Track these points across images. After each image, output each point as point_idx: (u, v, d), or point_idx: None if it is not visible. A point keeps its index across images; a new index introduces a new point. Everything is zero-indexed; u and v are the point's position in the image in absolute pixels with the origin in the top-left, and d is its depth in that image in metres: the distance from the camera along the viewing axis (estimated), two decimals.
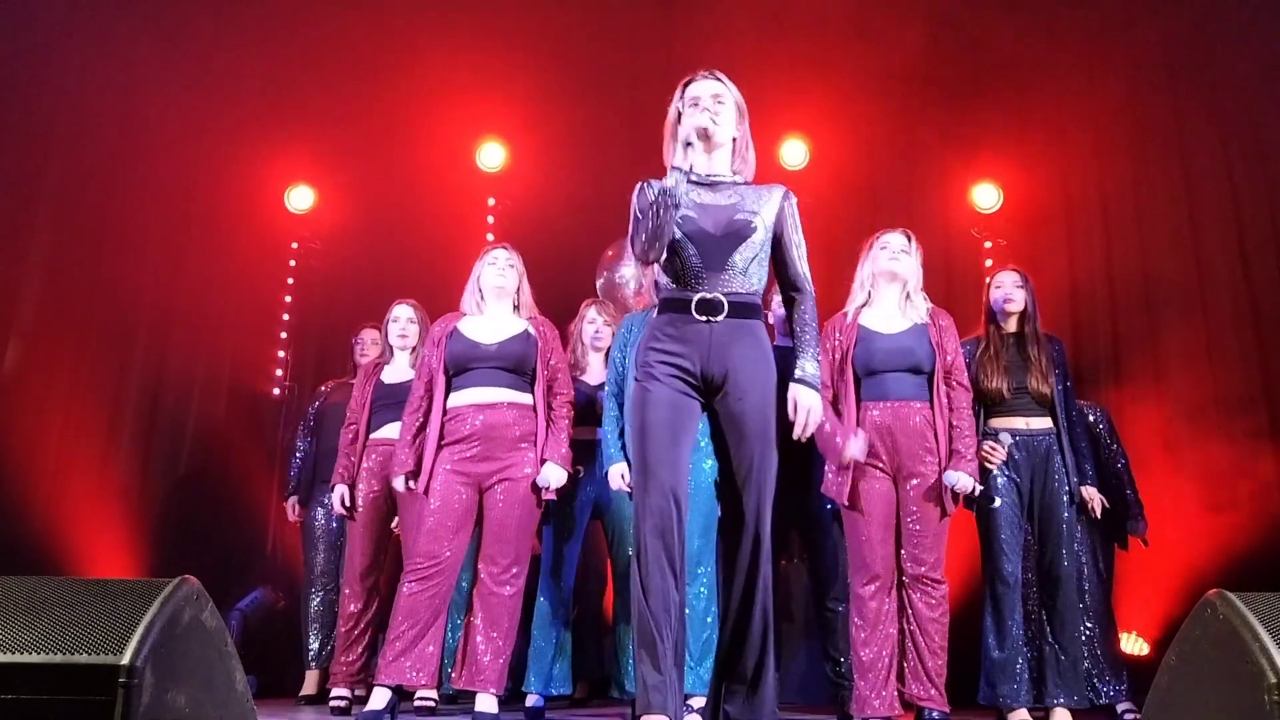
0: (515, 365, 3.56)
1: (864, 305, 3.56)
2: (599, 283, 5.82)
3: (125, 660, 1.63)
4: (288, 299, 6.41)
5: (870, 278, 3.57)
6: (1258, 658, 1.68)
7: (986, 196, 6.15)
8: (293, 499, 4.70)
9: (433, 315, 4.26)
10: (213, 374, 6.05)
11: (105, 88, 5.53)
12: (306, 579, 4.61)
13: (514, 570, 3.48)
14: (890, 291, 3.54)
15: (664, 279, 2.61)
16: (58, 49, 5.37)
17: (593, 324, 4.30)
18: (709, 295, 2.52)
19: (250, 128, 5.97)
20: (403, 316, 4.33)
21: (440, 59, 5.68)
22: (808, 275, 2.70)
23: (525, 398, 3.58)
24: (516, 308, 3.72)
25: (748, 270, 2.56)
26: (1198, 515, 5.00)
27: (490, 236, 6.36)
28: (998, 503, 3.58)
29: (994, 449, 3.62)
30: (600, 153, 5.98)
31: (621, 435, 3.60)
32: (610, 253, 5.85)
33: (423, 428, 3.57)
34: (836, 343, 3.51)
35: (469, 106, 6.10)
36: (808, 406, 2.55)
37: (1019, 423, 3.73)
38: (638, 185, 2.54)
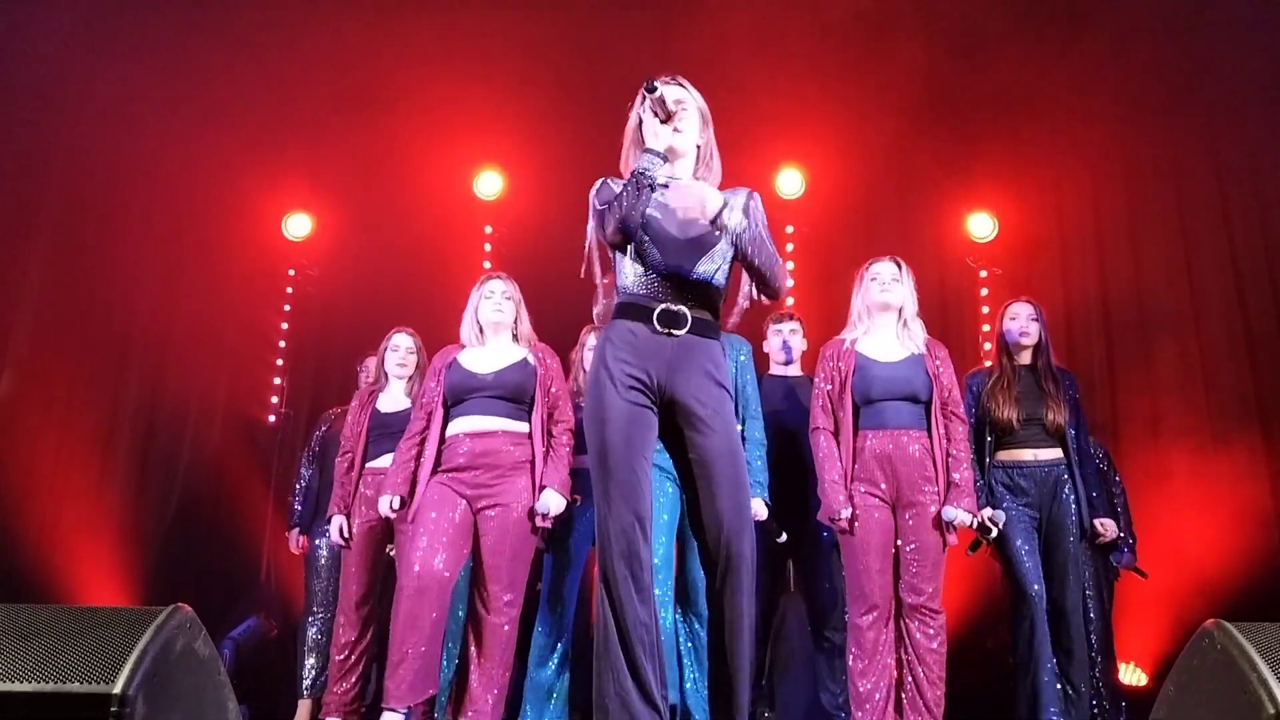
0: (513, 394, 3.55)
1: (862, 335, 3.56)
2: (596, 310, 5.83)
3: (117, 689, 1.62)
4: (284, 326, 6.41)
5: (865, 310, 3.57)
6: (1255, 688, 1.68)
7: (982, 226, 6.18)
8: (295, 531, 4.65)
9: (429, 342, 4.26)
10: (208, 401, 6.03)
11: (103, 115, 5.55)
12: (306, 607, 4.56)
13: (507, 599, 3.41)
14: (885, 321, 3.54)
15: (626, 280, 2.55)
16: (56, 77, 5.40)
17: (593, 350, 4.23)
18: (672, 307, 2.46)
19: (248, 155, 5.99)
20: (402, 346, 4.32)
21: (437, 88, 5.71)
22: (779, 266, 2.58)
23: (521, 425, 3.56)
24: (515, 338, 3.72)
25: (711, 281, 2.52)
26: (1194, 542, 5.00)
27: (487, 264, 6.38)
28: (1001, 522, 3.58)
29: (988, 524, 3.53)
30: (596, 179, 5.99)
31: None
32: (607, 280, 5.86)
33: (419, 455, 3.55)
34: (835, 369, 3.50)
35: (466, 135, 6.13)
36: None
37: (1027, 454, 3.74)
38: (597, 182, 2.56)
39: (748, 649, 2.39)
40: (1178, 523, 5.02)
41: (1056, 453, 3.75)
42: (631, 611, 2.30)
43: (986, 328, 5.81)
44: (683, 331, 2.46)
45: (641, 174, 2.42)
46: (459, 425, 3.53)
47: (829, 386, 3.49)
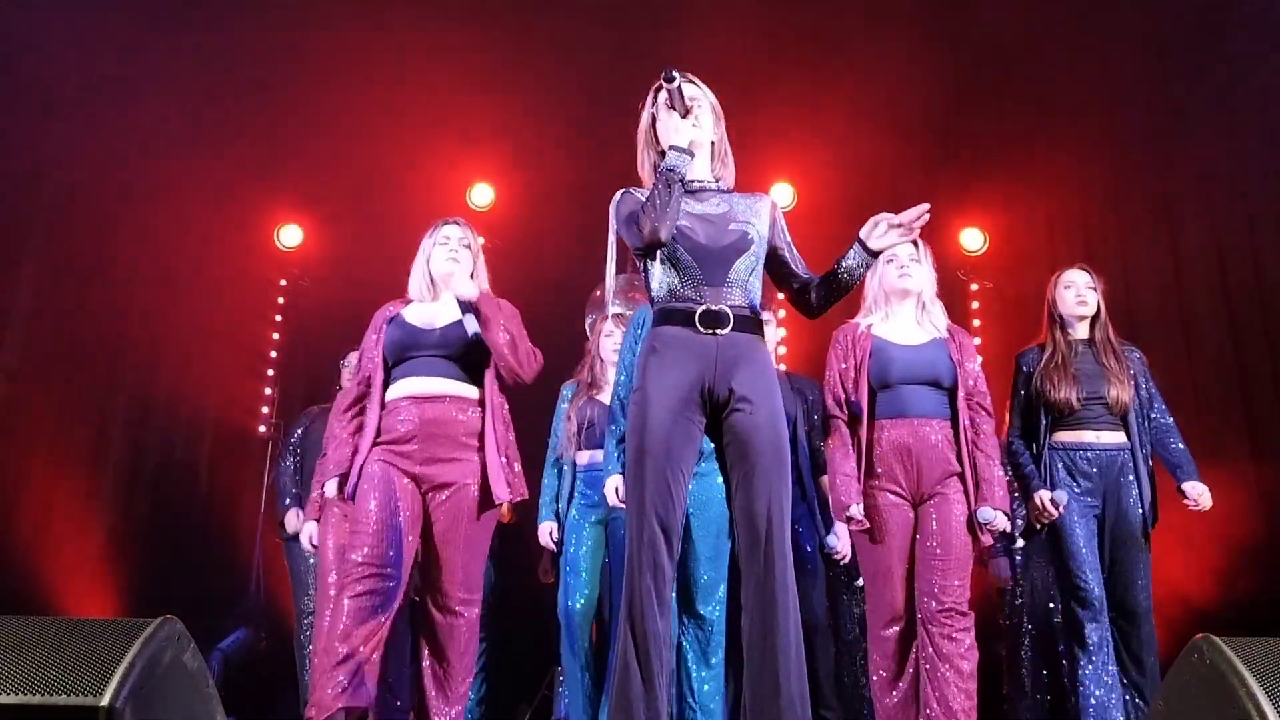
0: (460, 352, 3.10)
1: (879, 320, 3.26)
2: (589, 322, 5.84)
3: (105, 701, 1.62)
4: (275, 336, 6.40)
5: (883, 295, 3.26)
6: (1244, 702, 1.69)
7: (972, 240, 6.22)
8: (292, 511, 4.51)
9: None
10: (199, 411, 6.01)
11: (97, 125, 5.55)
12: (300, 616, 4.40)
13: (463, 595, 3.02)
14: (904, 307, 3.24)
15: (660, 289, 2.50)
16: (51, 91, 5.40)
17: (611, 337, 4.06)
18: (714, 307, 2.42)
19: (241, 167, 5.99)
20: None
21: (431, 99, 5.72)
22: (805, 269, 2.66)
23: (471, 390, 3.11)
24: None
25: (747, 283, 2.49)
26: (1182, 559, 5.00)
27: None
28: (1063, 503, 3.27)
29: (1046, 510, 3.30)
30: (589, 192, 6.01)
31: (621, 441, 3.32)
32: (598, 293, 5.87)
33: (360, 427, 3.10)
34: (849, 353, 3.20)
35: (458, 147, 6.14)
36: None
37: (1089, 436, 3.42)
38: (618, 193, 2.54)
39: (795, 634, 2.29)
40: (1167, 539, 5.02)
41: (1121, 436, 3.41)
42: (651, 623, 2.27)
43: (978, 340, 5.82)
44: (726, 330, 2.41)
45: (670, 171, 2.38)
46: (400, 388, 3.08)
47: (843, 365, 3.19)
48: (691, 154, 2.43)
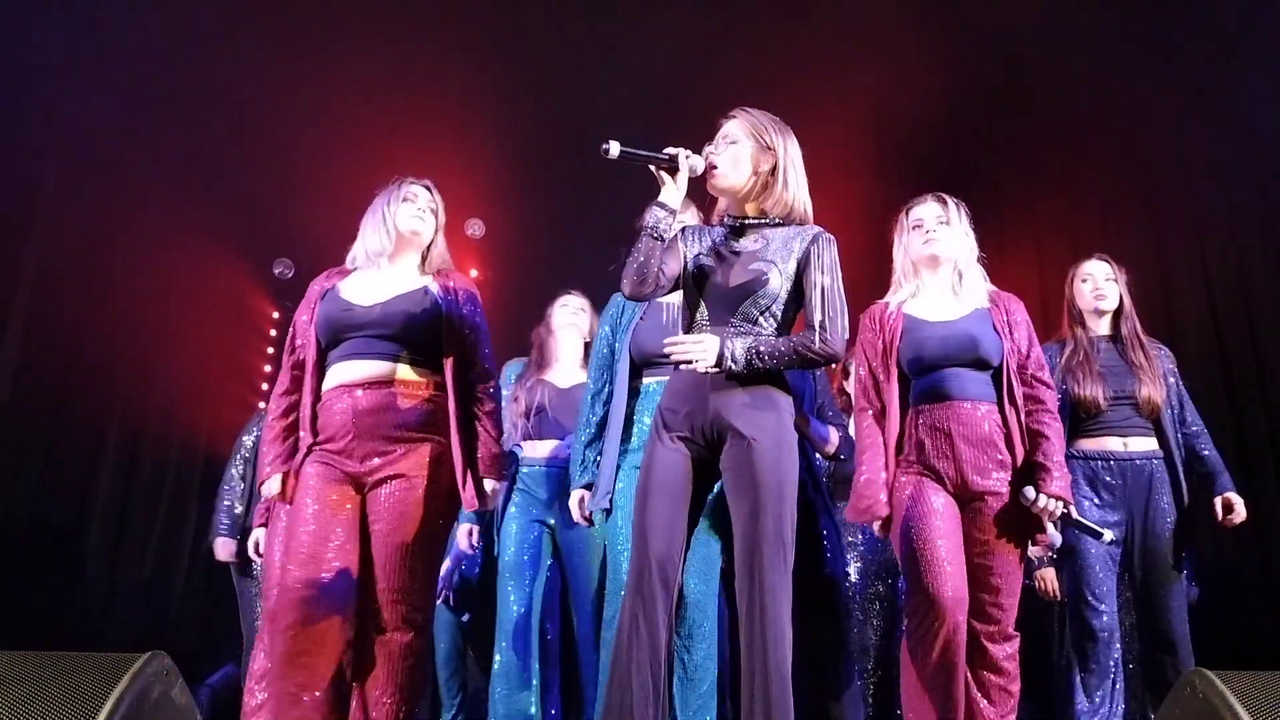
0: (403, 332, 2.69)
1: (909, 297, 2.85)
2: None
3: None
4: (267, 369, 6.39)
5: (910, 268, 2.85)
6: None
7: None
8: (221, 540, 4.16)
9: None
10: (190, 442, 5.99)
11: (92, 153, 5.56)
12: (248, 647, 3.91)
13: (406, 609, 2.58)
14: (937, 278, 2.82)
15: (682, 328, 2.53)
16: (48, 116, 5.43)
17: (566, 307, 3.66)
18: None
19: (236, 197, 6.01)
20: None
21: (422, 130, 5.76)
22: (829, 318, 2.40)
23: (417, 375, 2.70)
24: (424, 262, 2.90)
25: (757, 321, 2.43)
26: None
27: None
28: (1108, 537, 2.80)
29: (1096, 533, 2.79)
30: (580, 223, 6.06)
31: (590, 445, 2.99)
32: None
33: (293, 423, 2.73)
34: (877, 335, 2.77)
35: (453, 177, 6.17)
36: (699, 341, 2.36)
37: (1114, 444, 3.12)
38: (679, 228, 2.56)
39: (785, 639, 2.23)
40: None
41: (1152, 443, 3.11)
42: (636, 650, 2.28)
43: None
44: (717, 370, 2.38)
45: (647, 228, 2.40)
46: (336, 374, 2.69)
47: (871, 351, 2.77)
48: (673, 211, 2.42)
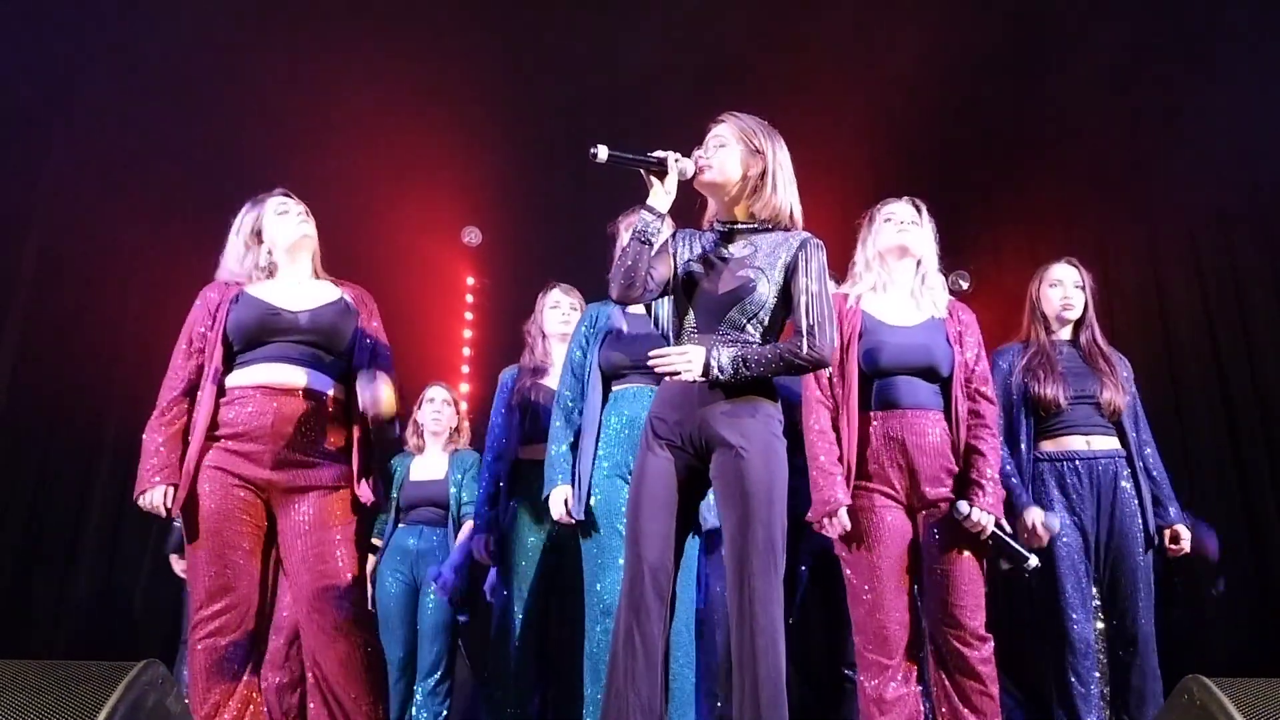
0: (325, 340, 2.72)
1: (869, 290, 2.88)
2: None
3: None
4: None
5: (876, 257, 2.88)
6: None
7: (959, 278, 6.25)
8: (176, 556, 4.12)
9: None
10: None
11: (85, 168, 5.55)
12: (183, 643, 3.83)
13: (342, 612, 2.58)
14: (901, 272, 2.86)
15: (668, 334, 2.52)
16: (48, 134, 5.43)
17: (557, 308, 3.63)
18: None
19: (236, 198, 5.99)
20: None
21: (422, 139, 5.77)
22: (817, 324, 2.38)
23: (333, 384, 2.74)
24: (315, 273, 2.94)
25: (744, 329, 2.42)
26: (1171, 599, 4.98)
27: (469, 315, 6.41)
28: (1056, 528, 2.90)
29: (1037, 534, 2.94)
30: (579, 229, 6.05)
31: (571, 448, 3.05)
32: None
33: (185, 427, 2.66)
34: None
35: (451, 185, 6.19)
36: (684, 352, 2.37)
37: (1077, 443, 3.10)
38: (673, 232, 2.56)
39: (777, 647, 2.22)
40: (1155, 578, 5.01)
41: (1114, 442, 3.10)
42: (627, 661, 2.28)
43: None
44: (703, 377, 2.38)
45: (637, 232, 2.40)
46: (251, 375, 2.65)
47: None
48: (661, 215, 2.42)
